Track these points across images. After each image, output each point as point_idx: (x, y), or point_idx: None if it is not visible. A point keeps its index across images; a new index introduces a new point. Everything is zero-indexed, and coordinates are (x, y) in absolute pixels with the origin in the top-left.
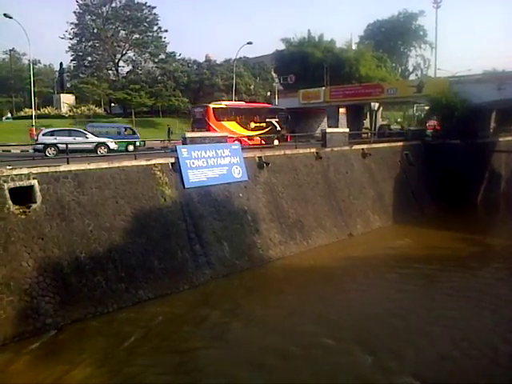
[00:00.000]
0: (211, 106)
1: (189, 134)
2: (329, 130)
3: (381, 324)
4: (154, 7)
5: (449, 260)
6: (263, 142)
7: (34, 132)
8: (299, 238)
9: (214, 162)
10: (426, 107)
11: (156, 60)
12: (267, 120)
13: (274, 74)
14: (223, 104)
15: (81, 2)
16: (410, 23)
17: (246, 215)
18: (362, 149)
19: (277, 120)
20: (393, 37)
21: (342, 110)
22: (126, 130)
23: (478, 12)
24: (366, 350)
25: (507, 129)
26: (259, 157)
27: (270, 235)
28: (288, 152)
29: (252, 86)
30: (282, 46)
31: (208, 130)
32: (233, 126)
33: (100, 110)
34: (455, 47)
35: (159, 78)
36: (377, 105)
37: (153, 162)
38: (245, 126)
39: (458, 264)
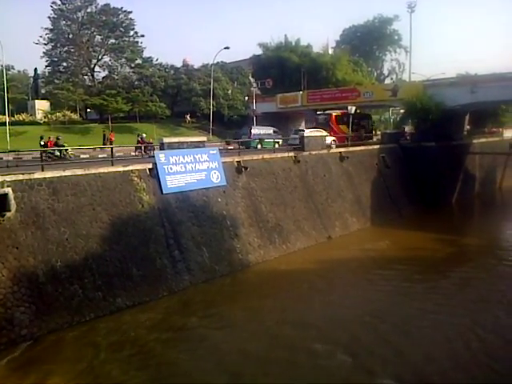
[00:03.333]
0: (333, 114)
1: (166, 139)
2: (307, 134)
3: (361, 326)
4: (130, 12)
5: (426, 261)
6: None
7: None
8: (278, 241)
9: (192, 167)
10: (402, 110)
11: (132, 65)
12: (361, 123)
13: (252, 79)
14: (339, 112)
15: (55, 7)
16: (384, 28)
17: (225, 220)
18: (340, 152)
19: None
20: (368, 41)
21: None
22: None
23: (452, 17)
24: (348, 352)
25: (480, 131)
26: (238, 161)
27: (249, 239)
28: (266, 156)
29: (230, 91)
30: (259, 51)
31: (332, 131)
32: (344, 128)
33: (76, 116)
34: (430, 51)
35: (136, 83)
36: (353, 108)
37: (130, 167)
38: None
39: (435, 264)
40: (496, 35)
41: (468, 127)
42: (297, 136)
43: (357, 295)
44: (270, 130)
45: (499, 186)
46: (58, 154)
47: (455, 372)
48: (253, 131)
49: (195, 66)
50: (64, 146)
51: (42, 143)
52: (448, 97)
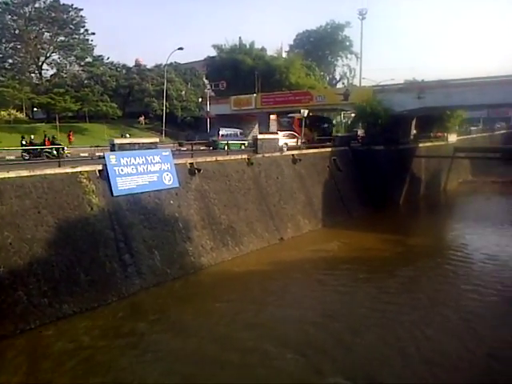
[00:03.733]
0: (296, 117)
1: (117, 141)
2: (260, 136)
3: (313, 326)
4: (81, 9)
5: (375, 260)
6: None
7: None
8: (231, 244)
9: (143, 168)
10: (353, 114)
11: (82, 63)
12: (322, 126)
13: (206, 80)
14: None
15: (0, 0)
16: (336, 34)
17: (177, 222)
18: (293, 155)
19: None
20: (321, 46)
21: (272, 117)
22: None
23: (400, 25)
24: (299, 352)
25: (426, 135)
26: (191, 163)
27: (201, 242)
28: (220, 158)
29: (183, 92)
30: (213, 53)
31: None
32: (307, 131)
33: (22, 115)
34: (380, 57)
35: (86, 82)
36: (306, 112)
37: (78, 169)
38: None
39: (384, 264)
40: (443, 43)
41: (415, 131)
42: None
43: (309, 296)
44: (237, 132)
45: (444, 188)
46: (55, 152)
47: (403, 369)
48: (221, 132)
49: (148, 66)
50: (61, 145)
51: (24, 143)
52: (396, 102)
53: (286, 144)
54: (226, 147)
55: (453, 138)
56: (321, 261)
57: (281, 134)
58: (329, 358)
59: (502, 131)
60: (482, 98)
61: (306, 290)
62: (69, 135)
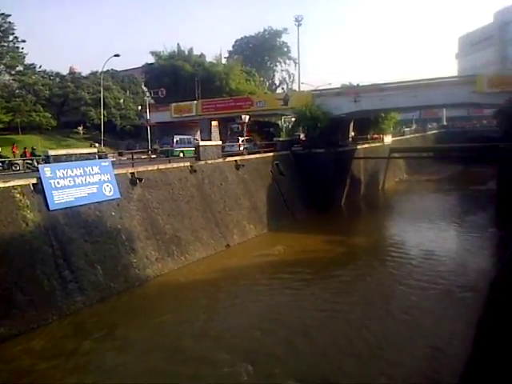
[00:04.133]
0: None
1: (52, 152)
2: (202, 143)
3: (262, 331)
4: (9, 15)
5: (320, 262)
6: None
7: None
8: (177, 253)
9: (82, 180)
10: (293, 119)
11: (13, 72)
12: (270, 131)
13: (145, 88)
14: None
15: None
16: (275, 40)
17: (119, 234)
18: (235, 160)
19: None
20: (260, 52)
21: (214, 123)
22: None
23: (336, 32)
24: (249, 359)
25: (364, 137)
26: (132, 173)
27: (146, 253)
28: (161, 167)
29: (121, 100)
30: (151, 59)
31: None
32: (256, 136)
33: None
34: (319, 62)
35: (17, 91)
36: (247, 117)
37: (11, 183)
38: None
39: (328, 265)
40: (377, 48)
41: (353, 134)
42: (234, 144)
43: (257, 301)
44: (191, 139)
45: (382, 187)
46: (36, 163)
47: (353, 367)
48: (175, 140)
49: (84, 74)
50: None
51: None
52: (334, 106)
53: (246, 148)
54: (182, 154)
55: (388, 139)
56: (267, 265)
57: (241, 139)
58: (279, 361)
59: (434, 131)
60: (413, 100)
61: (254, 295)
62: (12, 147)
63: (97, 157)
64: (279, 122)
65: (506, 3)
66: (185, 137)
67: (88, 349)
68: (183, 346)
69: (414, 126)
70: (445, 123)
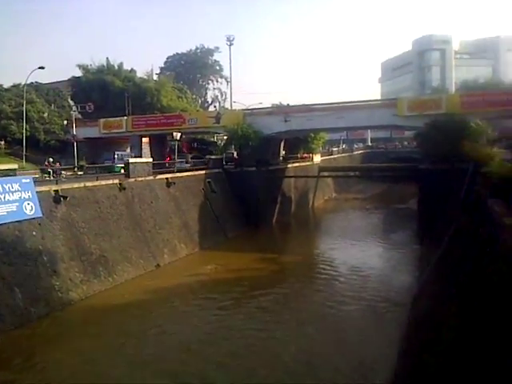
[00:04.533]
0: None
1: None
2: (132, 159)
3: (189, 353)
4: None
5: (251, 280)
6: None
7: None
8: (104, 274)
9: (0, 198)
10: (225, 137)
11: None
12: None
13: (72, 102)
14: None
15: None
16: (207, 58)
17: (41, 256)
18: (167, 178)
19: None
20: (192, 70)
21: (145, 140)
22: None
23: (268, 53)
24: (180, 381)
25: (294, 156)
26: (55, 190)
27: (70, 275)
28: (89, 184)
29: (46, 114)
30: (78, 73)
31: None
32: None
33: None
34: (252, 82)
35: None
36: (179, 134)
37: None
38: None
39: (260, 283)
40: (307, 70)
41: (284, 153)
42: (183, 160)
43: (185, 322)
44: (131, 155)
45: (312, 205)
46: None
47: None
48: (116, 156)
49: (5, 86)
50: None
51: None
52: (265, 125)
53: (195, 164)
54: (123, 170)
55: (318, 158)
56: (199, 285)
57: (189, 156)
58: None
59: (360, 151)
60: (339, 121)
61: (183, 316)
62: None
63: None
64: (217, 141)
65: (423, 32)
66: (125, 153)
67: (4, 380)
68: (110, 372)
69: (344, 146)
70: (369, 144)
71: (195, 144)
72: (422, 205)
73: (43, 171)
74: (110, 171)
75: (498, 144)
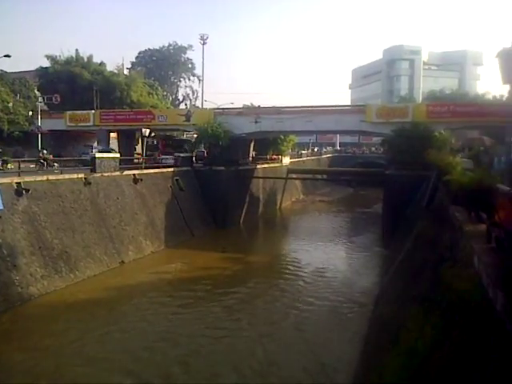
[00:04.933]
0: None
1: None
2: (98, 154)
3: (152, 352)
4: None
5: (216, 279)
6: None
7: None
8: (65, 270)
9: None
10: (196, 135)
11: None
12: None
13: (38, 93)
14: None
15: None
16: (179, 55)
17: (0, 249)
18: (134, 174)
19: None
20: (164, 66)
21: (113, 135)
22: None
23: (242, 54)
24: (141, 380)
25: (264, 157)
26: (17, 183)
27: (30, 270)
28: (52, 178)
29: (10, 104)
30: (47, 63)
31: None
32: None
33: None
34: (225, 81)
35: None
36: (148, 131)
37: None
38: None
39: (224, 282)
40: (279, 73)
41: (253, 153)
42: (169, 157)
43: (148, 320)
44: (109, 150)
45: (279, 206)
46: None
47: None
48: (94, 150)
49: None
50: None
51: None
52: (236, 125)
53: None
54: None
55: (286, 160)
56: (163, 283)
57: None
58: (172, 381)
59: (328, 155)
60: (309, 124)
61: (146, 314)
62: None
63: None
64: (192, 139)
65: (394, 42)
66: (103, 148)
67: None
68: (67, 369)
69: (315, 149)
70: (338, 148)
71: (170, 142)
72: (386, 209)
73: (5, 163)
74: (86, 165)
75: (461, 153)
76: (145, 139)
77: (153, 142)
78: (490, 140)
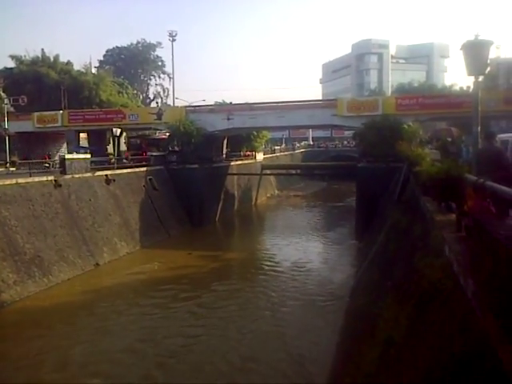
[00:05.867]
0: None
1: None
2: (68, 155)
3: (131, 354)
4: None
5: (193, 278)
6: None
7: None
8: (38, 275)
9: None
10: (168, 134)
11: None
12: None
13: (3, 94)
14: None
15: None
16: (148, 53)
17: None
18: (106, 175)
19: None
20: (133, 64)
21: (83, 135)
22: None
23: (210, 51)
24: (119, 382)
25: (237, 154)
26: None
27: (2, 276)
28: (21, 181)
29: None
30: (11, 64)
31: (143, 153)
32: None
33: None
34: (193, 79)
35: None
36: (119, 130)
37: None
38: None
39: (202, 280)
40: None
41: (227, 150)
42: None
43: (126, 322)
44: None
45: (255, 202)
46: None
47: (218, 379)
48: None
49: None
50: None
51: None
52: (208, 122)
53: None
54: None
55: (260, 156)
56: (140, 284)
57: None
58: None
59: (302, 150)
60: (281, 120)
61: (123, 316)
62: None
63: None
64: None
65: (362, 36)
66: (82, 149)
67: None
68: (41, 377)
69: (283, 145)
70: (311, 143)
71: (153, 141)
72: (359, 202)
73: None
74: None
75: (430, 145)
76: (116, 139)
77: (136, 141)
78: (457, 131)
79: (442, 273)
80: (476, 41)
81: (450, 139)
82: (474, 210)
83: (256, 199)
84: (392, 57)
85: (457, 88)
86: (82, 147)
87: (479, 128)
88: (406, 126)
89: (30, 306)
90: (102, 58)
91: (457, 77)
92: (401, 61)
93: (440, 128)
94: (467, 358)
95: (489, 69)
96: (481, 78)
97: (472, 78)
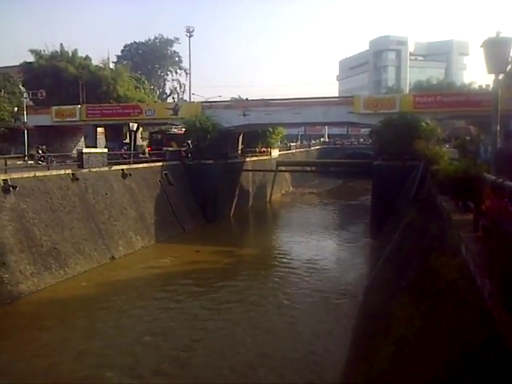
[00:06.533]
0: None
1: None
2: (86, 149)
3: (144, 347)
4: None
5: (207, 273)
6: None
7: None
8: (55, 267)
9: None
10: (184, 129)
11: None
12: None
13: (23, 88)
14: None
15: None
16: (166, 48)
17: None
18: (122, 169)
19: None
20: (150, 60)
21: (100, 130)
22: None
23: (228, 47)
24: (133, 375)
25: (253, 150)
26: (4, 180)
27: (19, 267)
28: (39, 174)
29: None
30: (31, 58)
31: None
32: (174, 145)
33: None
34: (210, 74)
35: None
36: (136, 125)
37: None
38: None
39: (216, 276)
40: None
41: (242, 146)
42: None
43: (140, 315)
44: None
45: (269, 199)
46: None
47: (238, 377)
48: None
49: None
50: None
51: None
52: (224, 118)
53: None
54: None
55: (275, 153)
56: (155, 278)
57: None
58: (161, 375)
59: (317, 147)
60: (297, 116)
61: (138, 310)
62: None
63: None
64: None
65: (380, 33)
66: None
67: None
68: (61, 366)
69: (299, 141)
70: (327, 140)
71: (172, 137)
72: (374, 200)
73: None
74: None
75: (448, 143)
76: (132, 133)
77: (157, 136)
78: (476, 129)
79: (459, 273)
80: (497, 38)
81: (468, 138)
82: (491, 210)
83: (271, 196)
84: (410, 54)
85: (476, 86)
86: (125, 143)
87: (498, 127)
88: (423, 124)
89: (47, 297)
90: (119, 53)
91: (476, 75)
92: (419, 58)
93: (458, 126)
94: (482, 359)
95: (509, 67)
96: (501, 76)
97: (492, 76)
